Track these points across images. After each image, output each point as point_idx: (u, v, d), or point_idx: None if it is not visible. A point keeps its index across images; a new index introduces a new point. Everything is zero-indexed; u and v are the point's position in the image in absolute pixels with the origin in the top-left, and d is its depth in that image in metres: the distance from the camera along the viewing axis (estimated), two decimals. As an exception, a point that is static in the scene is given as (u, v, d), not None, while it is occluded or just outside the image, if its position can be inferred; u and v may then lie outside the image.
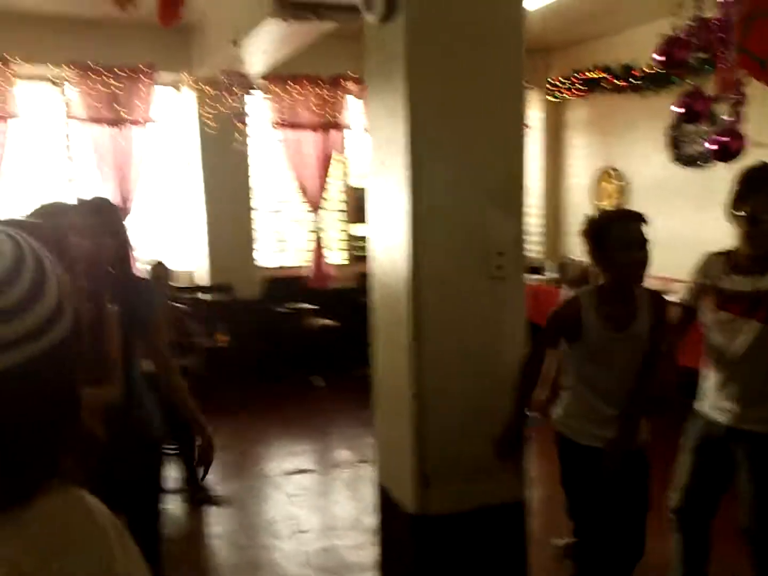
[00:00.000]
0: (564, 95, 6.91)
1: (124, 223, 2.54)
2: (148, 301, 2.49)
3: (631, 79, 6.04)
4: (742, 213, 2.38)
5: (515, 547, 2.79)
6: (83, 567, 0.72)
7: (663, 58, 2.44)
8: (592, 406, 2.54)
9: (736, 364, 2.51)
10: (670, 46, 2.39)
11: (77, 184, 6.30)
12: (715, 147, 2.49)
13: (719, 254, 2.59)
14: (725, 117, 2.60)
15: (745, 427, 2.49)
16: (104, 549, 0.74)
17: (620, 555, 2.60)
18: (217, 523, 3.96)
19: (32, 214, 2.06)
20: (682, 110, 2.46)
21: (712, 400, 2.59)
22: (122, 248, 2.45)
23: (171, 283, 4.64)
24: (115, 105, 6.11)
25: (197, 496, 4.20)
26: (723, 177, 5.39)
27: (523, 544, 2.81)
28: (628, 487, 2.56)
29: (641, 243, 2.38)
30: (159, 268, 4.63)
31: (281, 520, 3.95)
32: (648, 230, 2.40)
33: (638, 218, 2.42)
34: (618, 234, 2.38)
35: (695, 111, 2.43)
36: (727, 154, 2.48)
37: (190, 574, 3.42)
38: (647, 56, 5.74)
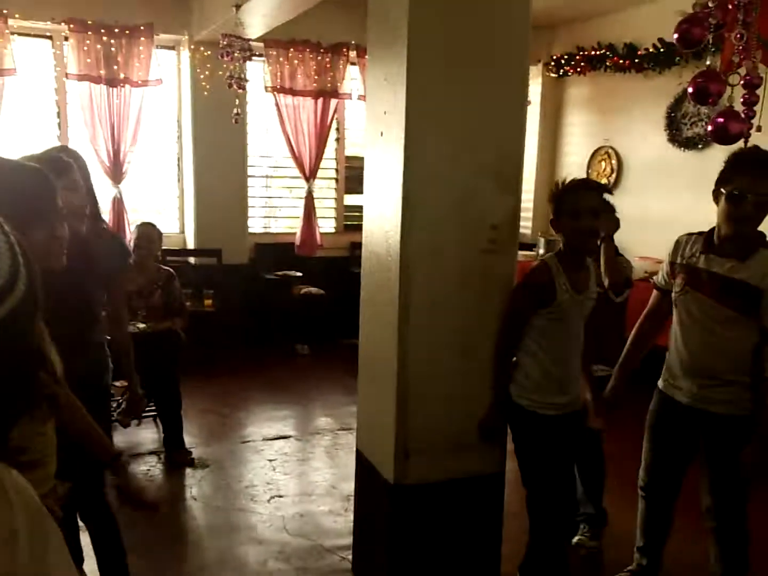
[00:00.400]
0: (566, 72, 6.83)
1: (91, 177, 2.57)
2: (111, 256, 2.52)
3: (634, 59, 5.96)
4: (725, 192, 2.38)
5: (490, 518, 2.81)
6: None
7: (680, 37, 2.37)
8: (550, 374, 2.58)
9: (698, 344, 2.52)
10: (690, 24, 2.32)
11: (69, 142, 6.19)
12: (713, 128, 2.45)
13: (695, 234, 2.61)
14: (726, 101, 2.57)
15: (703, 408, 2.51)
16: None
17: (567, 513, 2.74)
18: (196, 485, 3.95)
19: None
20: (695, 90, 2.39)
21: (674, 379, 2.62)
22: (92, 202, 2.49)
23: (159, 245, 4.56)
24: (112, 65, 5.98)
25: (176, 458, 4.20)
26: (720, 160, 5.36)
27: (498, 516, 2.82)
28: (574, 447, 2.72)
29: (593, 212, 2.45)
30: (144, 228, 4.56)
31: (260, 485, 3.95)
32: (612, 200, 2.48)
33: (594, 187, 2.52)
34: (570, 202, 2.47)
35: (709, 92, 2.37)
36: (726, 136, 2.45)
37: (166, 534, 3.42)
38: (651, 35, 5.73)
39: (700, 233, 2.58)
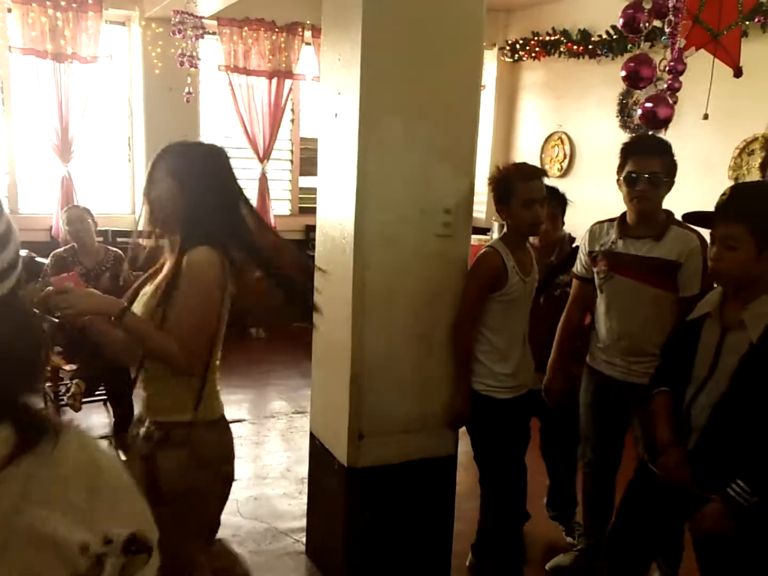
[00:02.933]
0: (520, 57, 6.87)
1: None
2: None
3: (588, 45, 6.02)
4: (622, 177, 2.57)
5: (443, 500, 2.84)
6: None
7: (625, 22, 2.41)
8: (504, 356, 2.63)
9: (628, 324, 2.63)
10: (634, 10, 2.37)
11: (14, 119, 6.00)
12: (642, 113, 2.50)
13: (606, 222, 2.75)
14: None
15: (637, 381, 2.58)
16: None
17: (519, 493, 2.79)
18: (148, 469, 3.90)
19: None
20: (626, 75, 2.46)
21: (609, 357, 2.70)
22: None
23: (93, 224, 4.45)
24: (59, 39, 5.79)
25: (127, 441, 4.13)
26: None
27: (451, 497, 2.86)
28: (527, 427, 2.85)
29: (541, 200, 2.57)
30: (72, 211, 4.46)
31: (213, 469, 3.92)
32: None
33: (541, 175, 2.62)
34: (522, 192, 2.54)
35: (641, 77, 2.43)
36: (655, 120, 2.51)
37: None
38: (605, 22, 5.79)
39: (611, 220, 2.72)
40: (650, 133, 2.74)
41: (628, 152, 2.58)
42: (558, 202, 3.15)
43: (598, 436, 2.83)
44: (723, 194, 1.95)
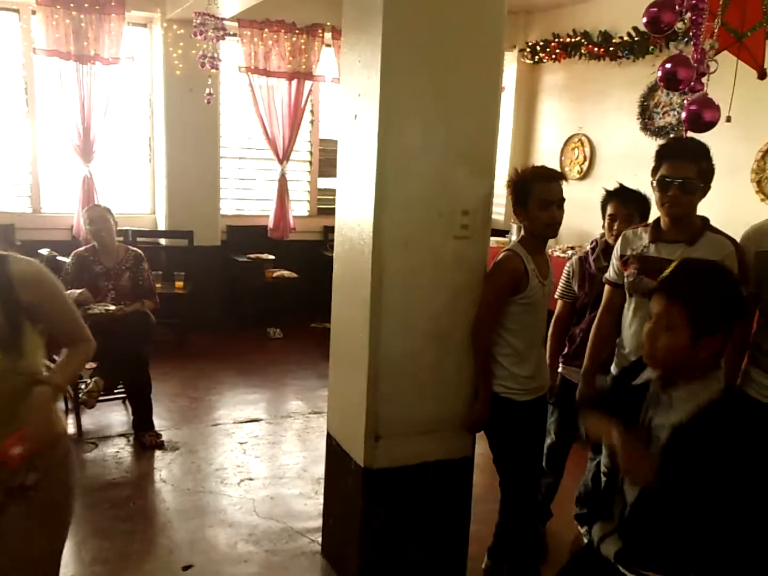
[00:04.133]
0: (541, 59, 6.84)
1: None
2: None
3: (608, 47, 5.99)
4: (654, 182, 2.52)
5: (459, 502, 2.83)
6: None
7: (648, 21, 2.37)
8: (524, 359, 2.63)
9: None
10: (659, 8, 2.32)
11: (37, 119, 6.08)
12: (687, 115, 2.46)
13: (640, 227, 2.70)
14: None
15: None
16: None
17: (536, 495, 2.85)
18: (165, 467, 3.93)
19: None
20: (663, 76, 2.40)
21: (626, 363, 2.67)
22: None
23: (114, 223, 4.49)
24: (82, 41, 5.85)
25: (145, 440, 4.17)
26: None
27: (467, 499, 2.85)
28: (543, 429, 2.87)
29: (560, 202, 2.55)
30: (94, 210, 4.50)
31: (230, 468, 3.94)
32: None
33: (559, 177, 2.59)
34: (540, 194, 2.53)
35: (678, 78, 2.37)
36: (700, 124, 2.46)
37: (136, 516, 3.41)
38: (626, 23, 5.75)
39: (645, 225, 2.68)
40: (688, 135, 2.64)
41: (662, 155, 2.51)
42: (636, 205, 3.09)
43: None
44: (669, 268, 1.81)
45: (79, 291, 4.21)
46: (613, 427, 1.75)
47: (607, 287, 2.83)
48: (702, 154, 2.48)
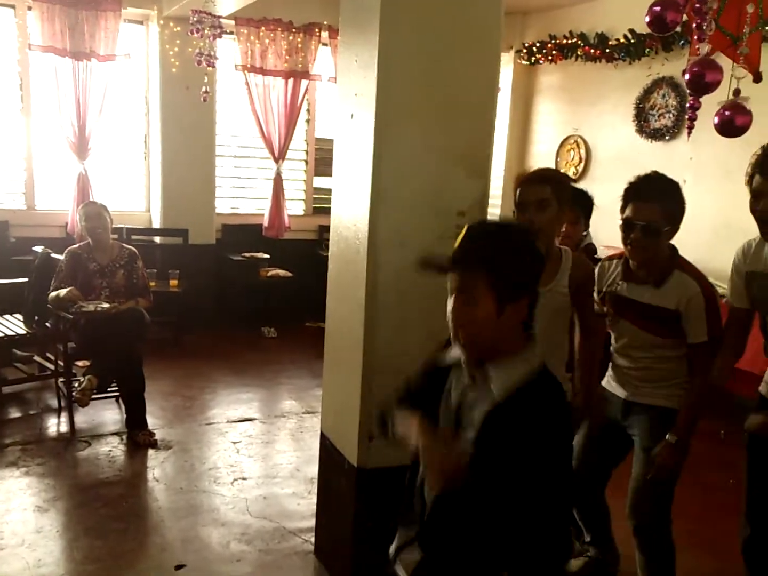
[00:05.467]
0: (537, 60, 6.85)
1: None
2: None
3: (605, 48, 6.00)
4: (620, 221, 2.47)
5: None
6: None
7: (652, 20, 2.34)
8: None
9: (629, 365, 2.62)
10: (662, 7, 2.30)
11: (32, 116, 6.05)
12: (719, 120, 2.43)
13: (615, 259, 2.65)
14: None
15: (640, 401, 2.59)
16: None
17: None
18: (158, 466, 3.92)
19: None
20: (690, 80, 2.36)
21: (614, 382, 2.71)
22: None
23: (110, 220, 4.48)
24: (78, 37, 5.84)
25: (139, 439, 4.16)
26: (685, 152, 5.43)
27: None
28: None
29: (538, 204, 2.41)
30: (90, 207, 4.49)
31: (223, 467, 3.93)
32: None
33: (536, 179, 2.47)
34: (518, 197, 2.47)
35: (706, 82, 2.34)
36: (732, 129, 2.44)
37: (128, 515, 3.40)
38: (623, 26, 5.76)
39: (620, 256, 2.62)
40: (654, 173, 2.50)
41: (628, 196, 2.46)
42: (581, 205, 3.09)
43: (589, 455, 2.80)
44: (459, 234, 1.60)
45: (66, 289, 4.20)
46: (416, 422, 1.61)
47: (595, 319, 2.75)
48: (668, 193, 2.41)
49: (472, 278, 1.51)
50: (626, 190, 2.48)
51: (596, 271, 2.68)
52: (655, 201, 2.38)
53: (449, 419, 1.63)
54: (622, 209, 2.47)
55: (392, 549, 1.68)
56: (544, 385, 1.56)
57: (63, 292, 4.21)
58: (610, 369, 2.76)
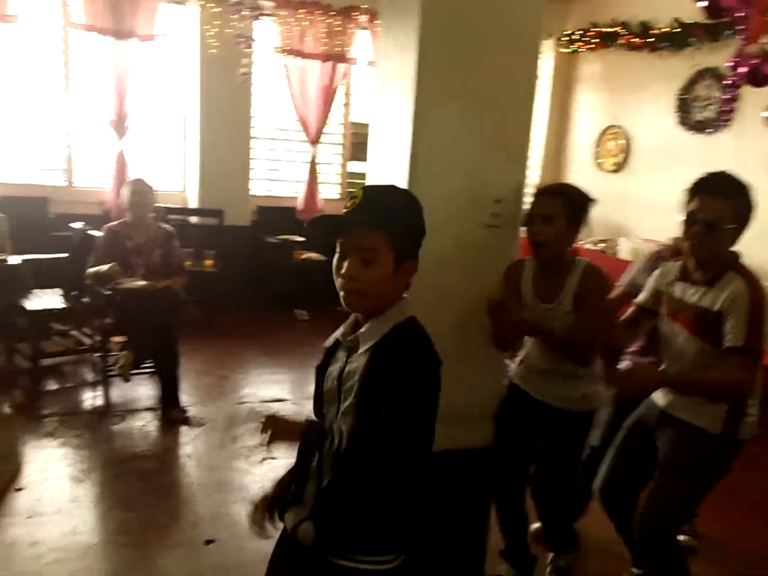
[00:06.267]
0: (578, 48, 6.76)
1: None
2: None
3: (648, 37, 5.89)
4: (683, 216, 2.35)
5: (480, 492, 2.83)
6: None
7: (709, 5, 2.29)
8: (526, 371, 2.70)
9: (673, 368, 2.49)
10: None
11: (73, 94, 6.14)
12: (748, 70, 2.37)
13: (675, 261, 2.55)
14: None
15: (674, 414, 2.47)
16: None
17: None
18: (190, 443, 3.99)
19: None
20: (749, 72, 2.31)
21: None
22: None
23: (153, 199, 4.54)
24: (119, 16, 5.88)
25: (172, 415, 4.23)
26: (728, 145, 5.32)
27: (488, 490, 2.85)
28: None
29: (544, 217, 2.46)
30: (136, 183, 4.55)
31: (253, 446, 3.99)
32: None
33: (551, 193, 2.49)
34: (530, 205, 2.52)
35: (764, 74, 2.28)
36: (758, 77, 2.37)
37: (160, 489, 3.47)
38: (667, 14, 5.65)
39: (674, 253, 2.58)
40: (725, 172, 2.37)
41: (695, 190, 2.33)
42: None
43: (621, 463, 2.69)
44: (353, 197, 1.56)
45: (109, 265, 4.27)
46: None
47: (635, 309, 2.68)
48: (738, 192, 2.29)
49: (372, 237, 1.52)
50: (694, 184, 2.35)
51: (658, 271, 2.59)
52: (721, 197, 2.26)
53: (333, 396, 1.66)
54: (687, 203, 2.35)
55: (288, 527, 1.66)
56: (403, 333, 1.59)
57: (104, 267, 4.27)
58: None
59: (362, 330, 1.59)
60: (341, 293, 1.58)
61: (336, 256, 1.59)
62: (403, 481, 1.55)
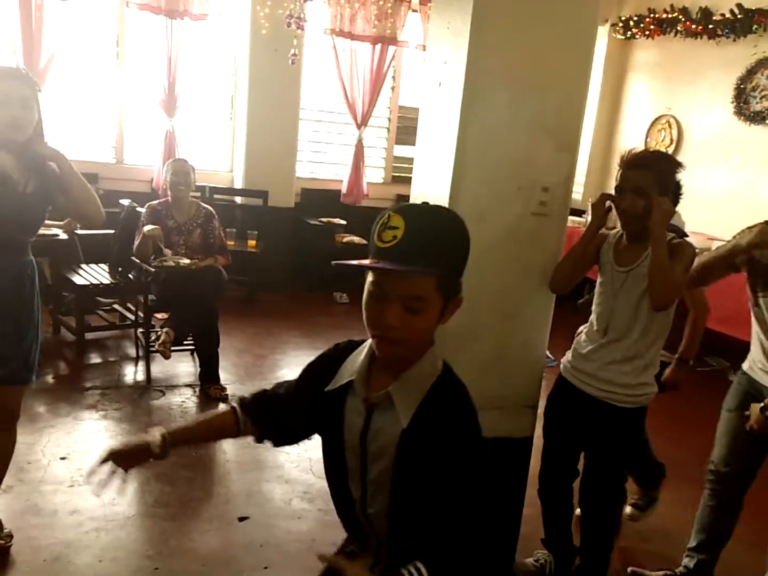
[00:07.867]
0: (633, 34, 6.59)
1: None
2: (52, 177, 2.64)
3: (708, 24, 5.71)
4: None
5: (515, 482, 2.81)
6: None
7: None
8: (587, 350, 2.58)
9: None
10: None
11: (125, 72, 6.22)
12: None
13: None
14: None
15: None
16: None
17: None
18: (228, 420, 4.03)
19: None
20: None
21: (760, 363, 2.51)
22: (39, 122, 2.60)
23: (194, 179, 4.56)
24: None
25: (211, 392, 4.28)
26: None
27: (523, 480, 2.83)
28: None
29: (635, 191, 2.35)
30: (178, 163, 4.58)
31: (290, 426, 4.01)
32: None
33: (641, 165, 2.37)
34: (618, 178, 2.43)
35: None
36: None
37: (197, 464, 3.52)
38: (729, 0, 5.46)
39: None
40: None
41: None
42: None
43: (737, 443, 2.59)
44: (391, 226, 1.30)
45: (152, 226, 4.31)
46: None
47: (722, 263, 2.61)
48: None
49: (421, 285, 1.30)
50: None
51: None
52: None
53: (354, 447, 1.47)
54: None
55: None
56: (447, 391, 1.42)
57: (148, 227, 4.31)
58: (755, 353, 2.55)
59: (394, 388, 1.39)
60: (375, 340, 1.38)
61: (368, 292, 1.38)
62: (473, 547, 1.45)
